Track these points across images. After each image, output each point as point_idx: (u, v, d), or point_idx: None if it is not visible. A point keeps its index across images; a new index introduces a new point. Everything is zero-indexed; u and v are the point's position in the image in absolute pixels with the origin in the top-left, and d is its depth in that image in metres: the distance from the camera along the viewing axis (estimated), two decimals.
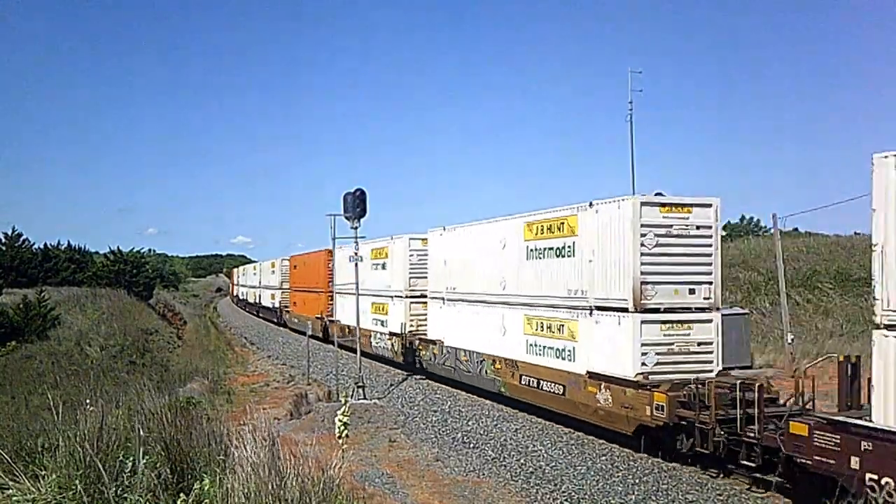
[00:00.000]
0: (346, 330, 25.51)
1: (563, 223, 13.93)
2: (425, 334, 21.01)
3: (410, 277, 22.57)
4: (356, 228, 17.99)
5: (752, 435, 9.95)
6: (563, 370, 13.75)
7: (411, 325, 22.42)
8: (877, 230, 8.19)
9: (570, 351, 13.62)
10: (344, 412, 4.69)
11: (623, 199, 12.27)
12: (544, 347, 14.50)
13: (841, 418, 8.73)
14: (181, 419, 6.48)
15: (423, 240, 21.87)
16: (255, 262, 70.45)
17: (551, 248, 14.28)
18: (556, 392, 14.03)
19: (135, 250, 55.15)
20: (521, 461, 12.07)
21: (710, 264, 12.28)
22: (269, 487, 4.54)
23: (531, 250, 15.00)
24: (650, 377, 11.64)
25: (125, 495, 5.02)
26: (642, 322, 11.77)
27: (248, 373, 25.35)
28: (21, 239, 48.65)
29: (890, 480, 7.84)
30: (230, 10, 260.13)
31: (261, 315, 52.50)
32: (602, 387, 12.56)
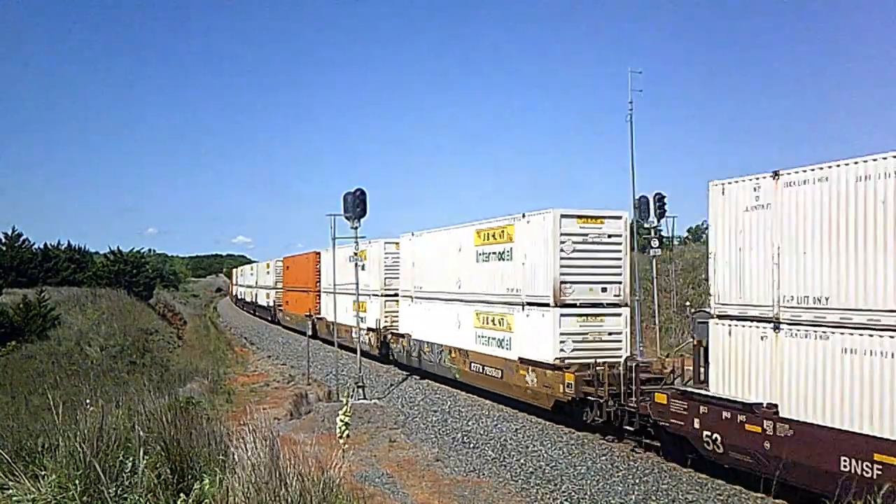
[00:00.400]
0: (332, 326, 26.57)
1: (503, 231, 16.17)
2: (397, 329, 23.17)
3: (385, 278, 24.95)
4: (356, 228, 17.99)
5: (632, 405, 12.39)
6: (502, 357, 16.06)
7: (386, 321, 24.83)
8: (712, 241, 10.53)
9: (507, 341, 15.88)
10: (345, 412, 4.68)
11: (547, 212, 14.35)
12: (489, 338, 16.78)
13: (688, 389, 11.11)
14: (181, 419, 6.48)
15: (396, 244, 23.91)
16: (255, 262, 72.70)
17: (495, 253, 16.58)
18: (496, 376, 16.32)
19: (135, 250, 55.13)
20: (521, 461, 12.07)
21: (619, 267, 14.49)
22: (269, 487, 4.54)
23: (480, 254, 17.27)
24: (566, 361, 13.76)
25: (125, 495, 5.02)
26: (561, 315, 13.98)
27: (248, 373, 25.34)
28: (21, 239, 48.65)
29: (717, 435, 10.11)
30: (231, 10, 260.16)
31: (257, 314, 54.27)
32: (530, 370, 14.81)
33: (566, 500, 10.05)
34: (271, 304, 47.61)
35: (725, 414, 9.97)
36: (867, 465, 8.15)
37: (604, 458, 12.19)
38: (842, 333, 8.51)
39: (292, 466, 4.78)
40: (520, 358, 15.17)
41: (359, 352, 18.92)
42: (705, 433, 10.35)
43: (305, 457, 4.96)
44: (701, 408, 10.46)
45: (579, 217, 14.42)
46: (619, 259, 14.50)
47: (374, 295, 25.35)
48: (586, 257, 14.23)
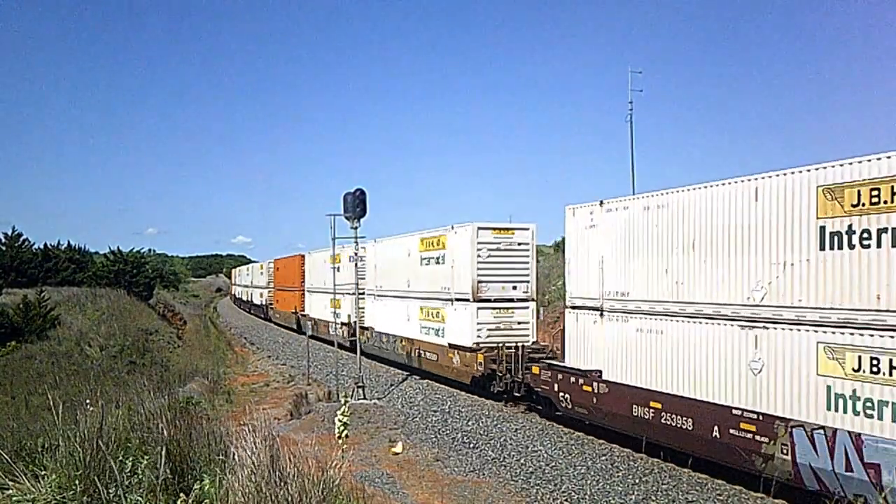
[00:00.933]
0: (313, 322, 32.57)
1: (439, 239, 19.48)
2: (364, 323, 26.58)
3: (359, 278, 27.32)
4: (356, 228, 17.99)
5: (520, 378, 16.17)
6: (437, 343, 19.39)
7: (355, 317, 27.64)
8: (567, 250, 14.44)
9: (441, 330, 19.22)
10: (344, 412, 4.68)
11: (468, 225, 17.53)
12: (429, 328, 20.11)
13: (550, 362, 14.84)
14: (181, 419, 6.47)
15: (364, 248, 26.79)
16: (255, 261, 75.47)
17: (433, 257, 19.88)
18: (433, 359, 19.73)
19: (135, 250, 55.00)
20: (521, 461, 12.07)
21: (527, 269, 17.61)
22: (269, 487, 4.53)
23: (423, 258, 20.60)
24: (481, 345, 17.00)
25: (125, 495, 5.02)
26: (478, 308, 17.29)
27: (248, 373, 25.35)
28: (21, 239, 48.61)
29: (568, 395, 13.80)
30: (231, 10, 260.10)
31: (252, 312, 58.09)
32: (456, 353, 18.15)
33: (566, 500, 10.06)
34: (264, 302, 51.33)
35: (572, 379, 13.66)
36: (645, 410, 11.66)
37: (604, 458, 12.19)
38: (635, 318, 12.17)
39: (292, 466, 4.77)
40: (449, 343, 18.50)
41: (359, 352, 18.92)
42: (561, 394, 14.07)
43: (305, 457, 4.96)
44: (558, 375, 14.12)
45: (494, 229, 17.73)
46: (527, 263, 17.60)
47: (347, 294, 27.91)
48: (499, 261, 17.36)
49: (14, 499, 4.92)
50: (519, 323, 17.46)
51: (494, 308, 17.53)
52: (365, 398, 17.45)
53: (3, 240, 47.76)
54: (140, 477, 5.22)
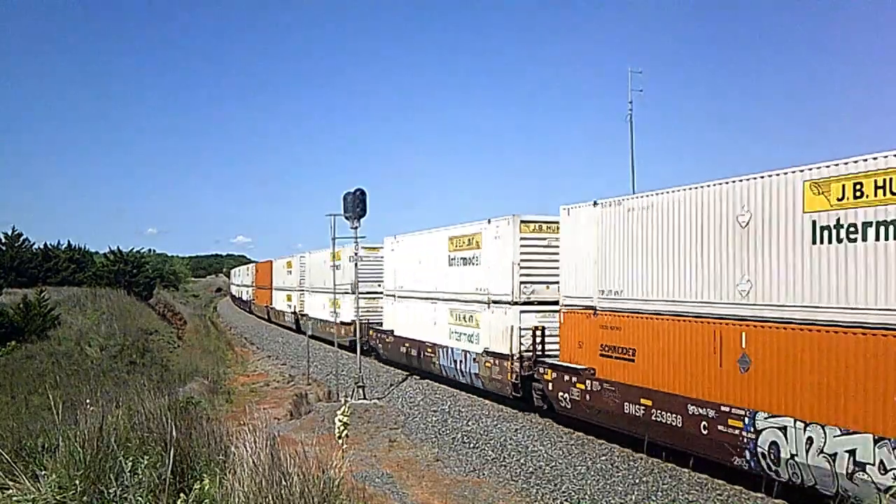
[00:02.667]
0: (275, 312, 45.18)
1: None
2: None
3: (301, 280, 36.33)
4: (356, 228, 17.99)
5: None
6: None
7: (300, 308, 35.59)
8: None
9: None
10: (344, 412, 4.68)
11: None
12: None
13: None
14: (181, 419, 6.47)
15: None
16: (254, 261, 78.85)
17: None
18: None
19: (135, 250, 54.88)
20: (521, 461, 12.06)
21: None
22: (269, 487, 4.53)
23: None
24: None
25: (125, 495, 5.02)
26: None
27: (248, 373, 25.35)
28: (21, 239, 48.58)
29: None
30: (231, 10, 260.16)
31: (241, 307, 67.37)
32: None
33: (566, 500, 10.05)
34: (248, 298, 61.82)
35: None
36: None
37: (604, 458, 12.19)
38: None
39: (292, 466, 4.77)
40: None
41: (359, 352, 18.91)
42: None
43: (305, 457, 4.96)
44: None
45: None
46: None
47: (297, 290, 37.91)
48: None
49: (14, 499, 4.92)
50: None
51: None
52: (365, 398, 17.45)
53: (3, 240, 47.73)
54: (140, 477, 5.22)
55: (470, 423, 15.16)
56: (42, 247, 50.48)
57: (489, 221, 16.99)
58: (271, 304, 46.77)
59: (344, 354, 23.06)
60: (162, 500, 5.01)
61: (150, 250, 74.11)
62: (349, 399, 16.21)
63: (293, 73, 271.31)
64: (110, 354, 25.62)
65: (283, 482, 4.56)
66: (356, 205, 17.74)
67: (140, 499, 5.02)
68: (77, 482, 5.02)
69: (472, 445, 13.27)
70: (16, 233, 48.42)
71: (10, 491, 5.00)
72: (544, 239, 15.86)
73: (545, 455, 12.41)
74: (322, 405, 16.54)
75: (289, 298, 40.36)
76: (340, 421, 4.67)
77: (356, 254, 18.95)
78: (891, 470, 7.93)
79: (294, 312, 38.19)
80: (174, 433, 5.58)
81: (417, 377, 21.45)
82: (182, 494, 4.98)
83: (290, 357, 28.24)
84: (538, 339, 15.36)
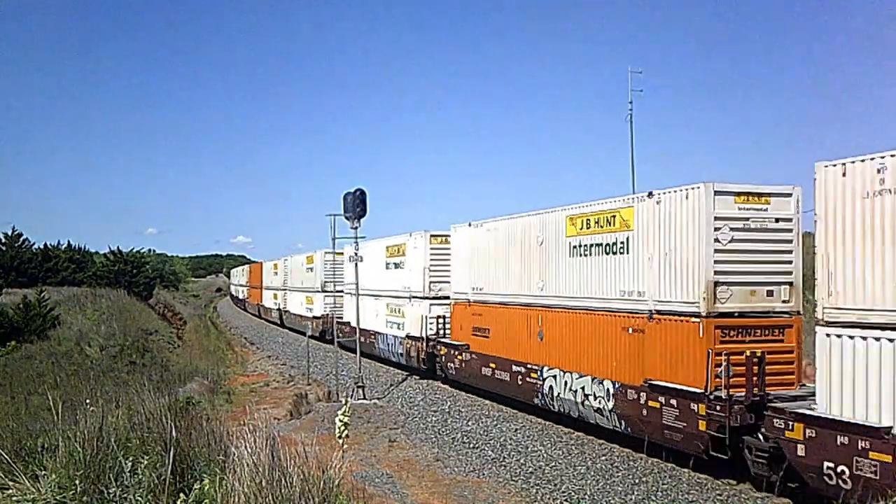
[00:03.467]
0: (264, 309, 51.01)
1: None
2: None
3: (284, 280, 42.23)
4: (356, 228, 18.01)
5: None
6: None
7: (283, 305, 41.84)
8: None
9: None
10: (344, 412, 4.68)
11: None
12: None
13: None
14: (181, 419, 6.47)
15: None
16: (254, 262, 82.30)
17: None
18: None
19: (135, 250, 54.94)
20: (521, 461, 12.06)
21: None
22: (269, 488, 4.53)
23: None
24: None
25: (125, 495, 5.01)
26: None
27: (248, 373, 25.35)
28: (21, 239, 48.62)
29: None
30: (230, 10, 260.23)
31: (238, 305, 72.80)
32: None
33: (566, 500, 10.05)
34: (243, 297, 67.53)
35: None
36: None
37: (604, 458, 12.19)
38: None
39: (292, 467, 4.77)
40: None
41: (358, 352, 18.93)
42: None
43: (305, 457, 4.96)
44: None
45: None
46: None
47: (281, 290, 43.74)
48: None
49: (14, 499, 4.91)
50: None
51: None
52: (365, 398, 17.45)
53: (3, 240, 47.76)
54: (140, 477, 5.21)
55: (470, 423, 15.16)
56: (42, 247, 50.55)
57: (410, 235, 20.26)
58: (261, 301, 52.57)
59: (344, 354, 23.09)
60: (162, 500, 5.01)
61: (150, 250, 74.18)
62: (349, 399, 16.22)
63: (293, 73, 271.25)
64: (110, 354, 25.62)
65: (283, 482, 4.55)
66: (356, 205, 17.75)
67: (140, 499, 5.01)
68: (77, 482, 5.02)
69: (472, 445, 13.28)
70: (16, 233, 48.50)
71: (10, 491, 5.00)
72: (448, 249, 19.42)
73: (545, 455, 12.41)
74: (322, 405, 16.54)
75: (275, 297, 46.27)
76: (340, 421, 4.67)
77: (356, 253, 18.95)
78: (599, 397, 12.76)
79: (279, 309, 43.77)
80: (174, 433, 5.57)
81: (418, 377, 21.50)
82: (182, 494, 4.98)
83: (290, 357, 28.25)
84: (440, 325, 19.82)
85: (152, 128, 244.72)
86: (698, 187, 10.82)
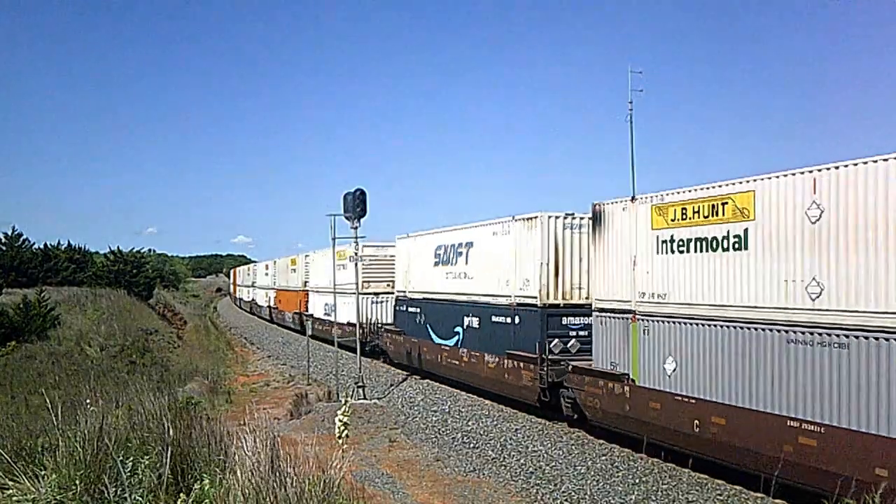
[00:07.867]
0: (244, 302, 66.54)
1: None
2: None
3: (274, 279, 47.48)
4: (356, 228, 18.00)
5: None
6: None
7: (272, 303, 47.67)
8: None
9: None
10: (344, 412, 4.68)
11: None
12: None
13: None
14: (181, 419, 6.46)
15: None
16: (254, 261, 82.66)
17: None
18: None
19: (135, 250, 54.84)
20: (521, 461, 12.06)
21: None
22: (269, 487, 4.53)
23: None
24: None
25: (125, 495, 5.02)
26: None
27: (248, 373, 25.35)
28: (21, 239, 48.52)
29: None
30: (230, 10, 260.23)
31: (233, 303, 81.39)
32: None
33: (566, 500, 10.05)
34: (267, 303, 76.15)
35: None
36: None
37: (604, 458, 12.19)
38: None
39: (292, 467, 4.77)
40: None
41: (359, 352, 18.92)
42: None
43: (305, 457, 4.96)
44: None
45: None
46: None
47: (269, 288, 50.28)
48: None
49: (14, 499, 4.92)
50: None
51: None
52: (365, 398, 17.45)
53: (3, 240, 47.68)
54: (140, 477, 5.22)
55: (470, 423, 15.16)
56: (42, 247, 50.43)
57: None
58: (242, 296, 69.29)
59: (344, 354, 23.10)
60: (162, 500, 5.01)
61: (150, 250, 74.00)
62: (349, 399, 16.19)
63: (293, 73, 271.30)
64: (110, 354, 25.61)
65: (283, 482, 4.55)
66: (356, 205, 17.74)
67: (140, 499, 5.02)
68: (77, 482, 5.02)
69: (472, 445, 13.27)
70: (16, 233, 48.37)
71: (10, 491, 5.00)
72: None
73: (545, 455, 12.41)
74: (322, 405, 16.53)
75: (248, 293, 59.93)
76: (340, 421, 4.67)
77: (356, 254, 18.96)
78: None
79: (268, 307, 50.79)
80: (174, 433, 5.57)
81: (418, 377, 21.49)
82: (182, 494, 4.98)
83: (290, 357, 28.24)
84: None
85: (153, 127, 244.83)
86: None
